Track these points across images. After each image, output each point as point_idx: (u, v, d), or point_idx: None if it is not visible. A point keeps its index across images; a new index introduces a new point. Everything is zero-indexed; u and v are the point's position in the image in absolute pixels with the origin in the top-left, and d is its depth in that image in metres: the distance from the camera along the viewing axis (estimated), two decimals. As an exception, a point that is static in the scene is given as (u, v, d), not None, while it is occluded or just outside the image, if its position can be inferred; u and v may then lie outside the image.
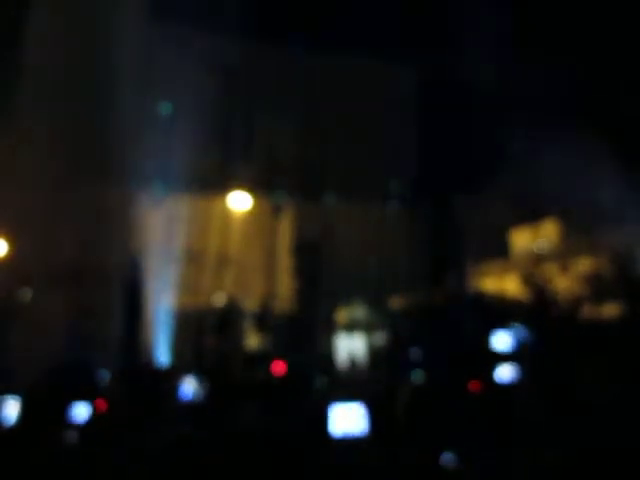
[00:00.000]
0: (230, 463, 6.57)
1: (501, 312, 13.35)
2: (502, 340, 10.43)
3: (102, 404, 8.35)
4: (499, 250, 19.51)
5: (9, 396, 7.90)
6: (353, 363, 15.88)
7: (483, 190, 20.36)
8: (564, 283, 16.41)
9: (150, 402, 8.65)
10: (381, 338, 16.47)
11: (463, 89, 20.16)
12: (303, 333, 16.86)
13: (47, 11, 17.82)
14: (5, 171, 16.53)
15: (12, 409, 7.80)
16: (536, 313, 13.73)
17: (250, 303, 19.22)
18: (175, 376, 10.11)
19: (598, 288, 15.21)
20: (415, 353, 12.62)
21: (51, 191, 16.96)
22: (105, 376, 11.39)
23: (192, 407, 8.95)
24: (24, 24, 17.46)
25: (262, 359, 14.58)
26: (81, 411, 7.93)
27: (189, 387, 9.14)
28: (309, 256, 20.31)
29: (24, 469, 6.26)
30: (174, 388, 9.22)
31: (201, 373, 11.41)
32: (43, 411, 8.10)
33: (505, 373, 8.89)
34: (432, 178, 20.93)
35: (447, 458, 5.91)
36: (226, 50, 20.00)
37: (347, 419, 6.65)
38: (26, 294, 16.71)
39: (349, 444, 6.53)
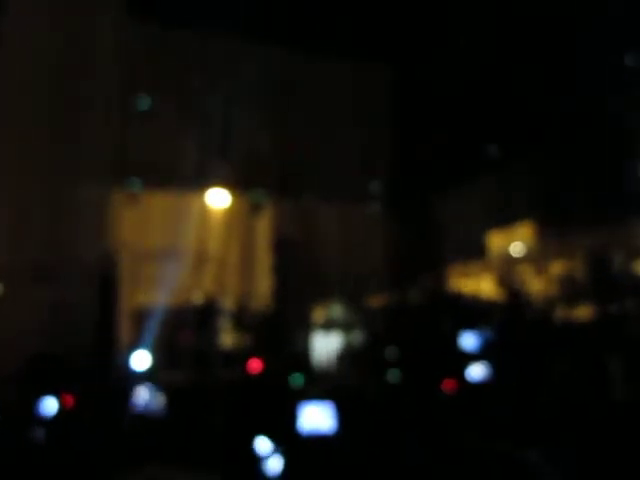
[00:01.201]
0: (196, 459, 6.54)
1: (476, 312, 13.49)
2: (475, 340, 10.54)
3: (69, 399, 8.25)
4: (475, 251, 19.70)
5: None
6: (329, 361, 15.91)
7: (461, 191, 20.54)
8: (538, 285, 16.62)
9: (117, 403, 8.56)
10: (358, 337, 16.53)
11: (443, 89, 20.29)
12: (280, 331, 16.87)
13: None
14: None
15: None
16: (510, 314, 13.89)
17: (227, 301, 19.14)
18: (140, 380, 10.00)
19: (571, 290, 15.44)
20: (391, 352, 12.69)
21: (23, 187, 16.70)
22: (75, 372, 11.25)
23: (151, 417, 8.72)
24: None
25: (238, 357, 14.55)
26: (49, 405, 7.84)
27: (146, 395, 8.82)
28: (287, 254, 20.28)
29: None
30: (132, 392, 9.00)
31: (175, 369, 11.34)
32: (12, 405, 8.00)
33: (477, 372, 8.98)
34: (410, 178, 21.05)
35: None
36: (206, 47, 19.88)
37: (316, 417, 6.70)
38: (-2, 288, 16.40)
39: (317, 441, 6.57)
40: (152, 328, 16.50)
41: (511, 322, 13.10)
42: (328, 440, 6.30)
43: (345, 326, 17.45)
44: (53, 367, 10.72)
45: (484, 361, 8.92)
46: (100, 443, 6.72)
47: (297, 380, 11.06)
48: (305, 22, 19.68)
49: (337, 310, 18.57)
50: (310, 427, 6.46)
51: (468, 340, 10.40)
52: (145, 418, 8.35)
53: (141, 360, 11.46)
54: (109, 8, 18.48)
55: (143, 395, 8.53)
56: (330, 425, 6.46)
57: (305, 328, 17.70)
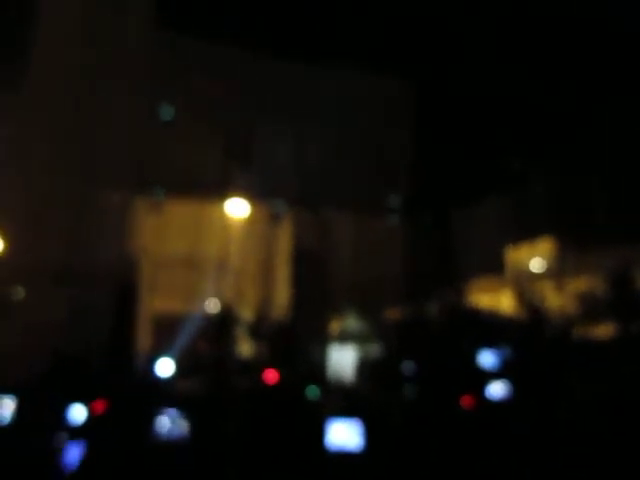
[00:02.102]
0: (219, 471, 6.54)
1: (494, 329, 13.36)
2: (494, 358, 10.45)
3: (99, 406, 8.29)
4: (494, 267, 19.55)
5: (4, 395, 7.83)
6: (345, 374, 15.83)
7: (480, 206, 20.46)
8: (558, 302, 16.43)
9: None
10: (374, 351, 16.42)
11: (464, 104, 20.29)
12: (296, 343, 16.82)
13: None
14: (4, 169, 16.54)
15: (7, 408, 7.73)
16: (529, 331, 13.74)
17: (245, 310, 19.18)
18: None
19: (592, 308, 15.23)
20: (408, 367, 12.59)
21: (47, 191, 16.96)
22: (102, 377, 11.33)
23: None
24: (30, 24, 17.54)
25: (254, 367, 14.54)
26: (78, 413, 7.86)
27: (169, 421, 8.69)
28: (305, 265, 20.31)
29: (17, 469, 6.23)
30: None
31: (193, 377, 11.36)
32: (39, 411, 8.04)
33: (496, 390, 8.90)
34: (430, 192, 21.03)
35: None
36: (226, 57, 20.11)
37: (344, 434, 6.64)
38: (19, 293, 16.65)
39: (345, 459, 6.52)
40: (172, 336, 16.62)
41: (530, 340, 12.96)
42: (356, 458, 6.21)
43: (361, 339, 17.37)
44: (75, 370, 10.79)
45: (503, 379, 8.84)
46: (129, 450, 6.74)
47: (313, 392, 11.04)
48: (326, 36, 19.87)
49: (353, 322, 18.50)
50: (338, 444, 6.35)
51: (487, 358, 10.29)
52: (169, 444, 8.25)
53: (165, 368, 11.54)
54: (139, 19, 18.82)
55: (166, 421, 8.43)
56: (358, 443, 6.35)
57: (321, 340, 17.64)
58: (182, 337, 16.89)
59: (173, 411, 8.37)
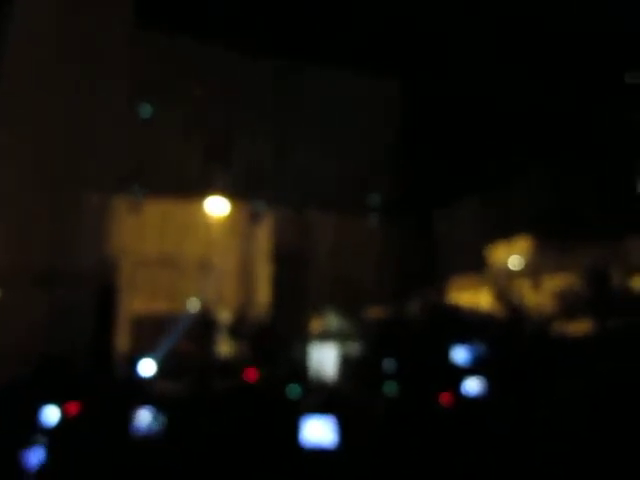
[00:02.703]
0: (200, 470, 6.51)
1: (472, 326, 13.49)
2: (467, 354, 10.54)
3: (73, 408, 8.21)
4: (474, 265, 19.72)
5: None
6: (326, 372, 15.87)
7: (461, 205, 20.62)
8: (536, 299, 16.64)
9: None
10: (355, 349, 16.48)
11: (446, 105, 20.43)
12: (277, 342, 16.81)
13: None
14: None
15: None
16: (507, 328, 13.90)
17: (225, 310, 19.12)
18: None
19: (570, 305, 15.45)
20: (388, 365, 12.66)
21: (26, 192, 16.75)
22: (77, 378, 11.21)
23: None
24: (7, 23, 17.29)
25: (235, 366, 14.51)
26: (51, 414, 7.79)
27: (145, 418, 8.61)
28: (286, 265, 20.29)
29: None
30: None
31: (172, 377, 11.31)
32: (14, 413, 7.94)
33: (472, 387, 8.97)
34: (411, 192, 21.13)
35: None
36: (209, 58, 20.02)
37: (319, 432, 6.64)
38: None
39: (320, 456, 6.52)
40: (152, 336, 16.49)
41: (508, 336, 13.10)
42: (330, 455, 6.20)
43: (342, 337, 17.42)
44: (58, 371, 10.67)
45: (479, 375, 8.92)
46: (104, 452, 6.68)
47: (294, 390, 11.04)
48: (310, 34, 19.85)
49: (334, 321, 18.55)
50: (312, 441, 6.33)
51: (460, 354, 10.38)
52: (147, 441, 8.19)
53: (146, 368, 11.49)
54: (117, 16, 18.66)
55: (144, 417, 8.36)
56: (332, 440, 6.34)
57: (302, 339, 17.66)
58: (163, 337, 16.78)
59: (152, 408, 8.32)
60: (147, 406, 8.26)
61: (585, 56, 17.15)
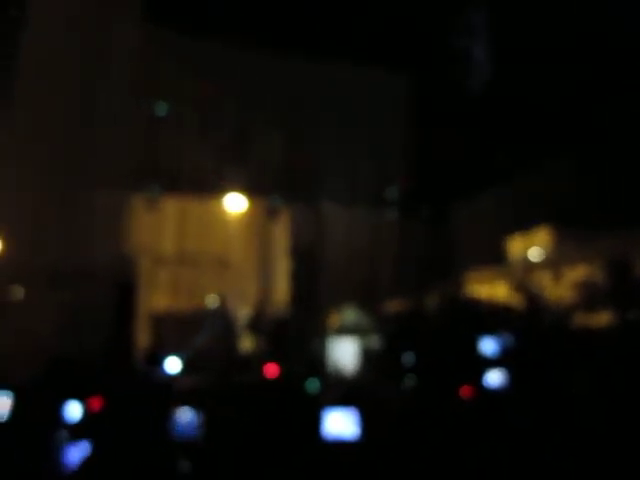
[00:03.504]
0: (224, 465, 6.55)
1: (493, 319, 13.39)
2: (492, 346, 10.46)
3: (96, 403, 8.29)
4: (492, 258, 19.57)
5: (1, 391, 7.83)
6: (345, 367, 15.88)
7: (478, 197, 20.45)
8: (557, 291, 16.46)
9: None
10: (373, 343, 16.47)
11: (462, 97, 20.28)
12: (296, 337, 16.86)
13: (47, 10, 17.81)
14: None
15: (4, 405, 7.74)
16: (528, 320, 13.78)
17: (244, 305, 19.23)
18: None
19: (591, 296, 15.25)
20: (408, 358, 12.63)
21: (43, 191, 16.94)
22: (97, 375, 11.33)
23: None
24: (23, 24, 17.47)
25: (255, 362, 14.58)
26: (73, 410, 7.87)
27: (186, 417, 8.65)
28: (303, 260, 20.33)
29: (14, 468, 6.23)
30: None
31: (192, 373, 11.40)
32: (36, 409, 8.05)
33: (494, 379, 8.91)
34: (428, 185, 21.03)
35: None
36: (222, 54, 20.07)
37: (340, 424, 6.63)
38: (18, 293, 16.65)
39: (342, 448, 6.51)
40: (172, 333, 16.64)
41: (529, 329, 12.99)
42: (352, 447, 6.18)
43: (361, 331, 17.41)
44: (75, 370, 10.80)
45: (502, 368, 8.86)
46: (127, 446, 6.74)
47: (313, 385, 11.06)
48: (323, 29, 19.81)
49: (352, 315, 18.54)
50: (334, 433, 6.31)
51: (488, 345, 10.30)
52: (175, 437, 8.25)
53: (173, 366, 11.63)
54: (127, 15, 18.76)
55: (184, 421, 8.40)
56: (354, 432, 6.31)
57: (321, 333, 17.68)
58: (186, 335, 16.92)
59: (182, 404, 8.38)
60: (185, 404, 8.32)
61: (605, 44, 16.91)
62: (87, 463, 6.71)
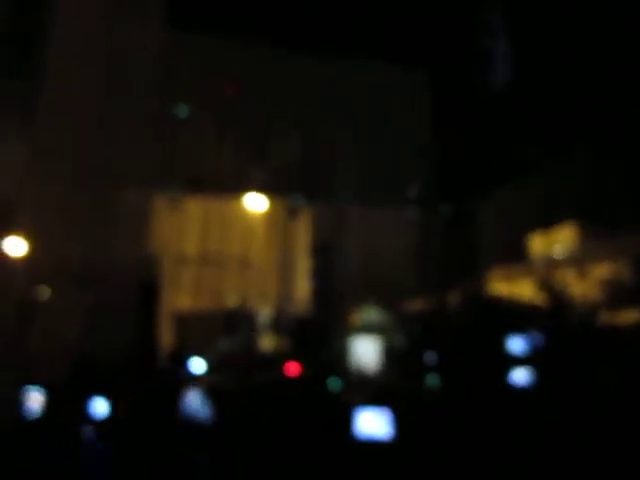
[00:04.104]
0: (250, 465, 6.58)
1: (517, 316, 13.25)
2: (517, 344, 10.36)
3: (121, 402, 8.41)
4: (516, 255, 19.36)
5: (33, 387, 8.00)
6: (367, 366, 15.84)
7: (502, 193, 20.26)
8: (582, 289, 16.21)
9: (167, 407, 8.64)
10: (396, 341, 16.39)
11: (482, 95, 20.12)
12: (317, 335, 16.88)
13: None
14: (25, 171, 16.80)
15: (36, 401, 7.89)
16: (552, 318, 13.60)
17: (266, 305, 19.31)
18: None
19: (617, 294, 15.01)
20: (430, 357, 12.56)
21: (68, 193, 17.19)
22: (121, 374, 11.48)
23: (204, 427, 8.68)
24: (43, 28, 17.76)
25: (276, 361, 14.62)
26: (99, 407, 7.99)
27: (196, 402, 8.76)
28: (324, 258, 20.35)
29: (44, 462, 6.34)
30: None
31: (215, 372, 11.48)
32: (65, 405, 8.18)
33: (520, 377, 8.83)
34: (448, 183, 20.89)
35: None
36: (240, 55, 20.18)
37: (372, 424, 6.56)
38: (44, 292, 16.92)
39: (374, 448, 6.46)
40: (195, 333, 16.80)
41: (554, 327, 12.83)
42: (385, 447, 6.10)
43: (382, 330, 17.34)
44: (103, 368, 10.98)
45: (529, 366, 8.77)
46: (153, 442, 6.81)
47: (334, 384, 11.06)
48: (339, 27, 19.82)
49: (374, 314, 18.47)
50: (366, 433, 6.22)
51: (515, 344, 10.18)
52: (195, 422, 8.35)
53: (198, 367, 11.78)
54: (147, 19, 18.97)
55: (193, 400, 8.52)
56: (387, 432, 6.22)
57: (342, 332, 17.66)
58: (206, 334, 17.04)
59: (200, 392, 8.47)
60: (195, 390, 8.44)
61: (621, 36, 16.67)
62: (111, 459, 6.81)
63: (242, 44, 19.77)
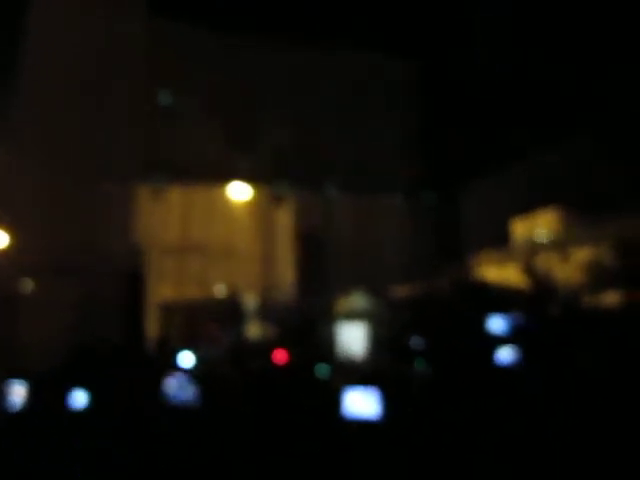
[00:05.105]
0: (240, 449, 6.59)
1: (502, 300, 13.40)
2: (501, 324, 10.50)
3: (105, 391, 8.38)
4: (499, 240, 19.55)
5: (16, 380, 7.95)
6: (354, 352, 15.93)
7: (486, 179, 20.40)
8: (564, 272, 16.44)
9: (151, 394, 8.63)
10: (383, 327, 16.49)
11: (467, 81, 20.18)
12: (304, 323, 16.93)
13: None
14: (7, 163, 16.58)
15: (19, 394, 7.85)
16: (536, 300, 13.78)
17: (252, 293, 19.30)
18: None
19: (598, 277, 15.24)
20: (418, 341, 12.66)
21: (51, 185, 17.01)
22: (108, 364, 11.44)
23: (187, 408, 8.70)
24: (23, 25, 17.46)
25: (263, 349, 14.65)
26: (80, 398, 7.96)
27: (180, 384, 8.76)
28: (310, 246, 20.36)
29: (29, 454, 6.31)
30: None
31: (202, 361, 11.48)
32: (48, 397, 8.14)
33: (505, 355, 8.95)
34: (433, 169, 20.98)
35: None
36: (224, 42, 20.02)
37: (361, 403, 6.58)
38: (28, 284, 16.77)
39: (363, 428, 6.48)
40: (181, 322, 16.74)
41: (536, 308, 13.01)
42: (374, 426, 6.12)
43: (369, 316, 17.43)
44: (90, 359, 10.92)
45: (513, 345, 8.90)
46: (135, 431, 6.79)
47: (322, 370, 11.11)
48: (325, 17, 19.72)
49: (361, 300, 18.56)
50: (354, 413, 6.22)
51: (497, 324, 10.32)
52: (179, 409, 8.35)
53: (188, 360, 11.75)
54: (131, 10, 18.74)
55: (177, 386, 8.52)
56: (376, 411, 6.23)
57: (329, 319, 17.73)
58: (192, 323, 17.01)
59: (181, 376, 8.47)
60: (180, 375, 8.44)
61: (611, 23, 16.78)
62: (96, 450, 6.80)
63: (226, 32, 19.61)
